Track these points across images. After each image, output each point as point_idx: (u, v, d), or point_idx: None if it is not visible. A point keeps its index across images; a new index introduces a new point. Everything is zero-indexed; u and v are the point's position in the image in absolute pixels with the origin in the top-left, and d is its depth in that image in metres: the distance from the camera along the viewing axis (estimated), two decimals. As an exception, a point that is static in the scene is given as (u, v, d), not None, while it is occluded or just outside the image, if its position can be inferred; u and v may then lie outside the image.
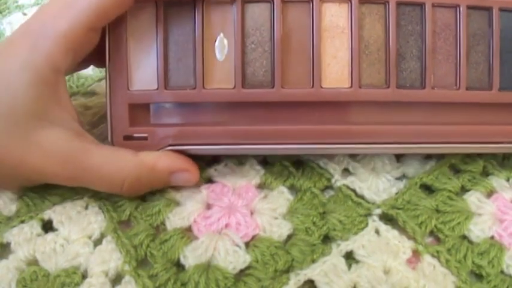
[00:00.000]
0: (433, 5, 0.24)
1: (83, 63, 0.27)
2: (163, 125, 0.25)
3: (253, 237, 0.23)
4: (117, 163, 0.23)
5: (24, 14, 0.45)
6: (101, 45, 0.24)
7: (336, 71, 0.24)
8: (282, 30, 0.24)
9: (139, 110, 0.25)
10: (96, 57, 0.25)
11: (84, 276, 0.22)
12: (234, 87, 0.24)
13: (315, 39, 0.24)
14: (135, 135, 0.25)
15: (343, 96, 0.24)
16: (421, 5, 0.25)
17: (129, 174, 0.23)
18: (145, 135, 0.25)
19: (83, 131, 0.24)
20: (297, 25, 0.24)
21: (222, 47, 0.25)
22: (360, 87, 0.24)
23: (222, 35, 0.24)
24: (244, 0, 0.24)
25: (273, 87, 0.24)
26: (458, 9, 0.25)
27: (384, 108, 0.25)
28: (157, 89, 0.24)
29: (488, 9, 0.25)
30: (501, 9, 0.25)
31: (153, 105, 0.25)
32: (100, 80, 0.34)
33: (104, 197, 0.25)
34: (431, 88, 0.24)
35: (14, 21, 0.43)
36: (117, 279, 0.22)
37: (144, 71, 0.25)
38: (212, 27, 0.24)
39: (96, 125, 0.30)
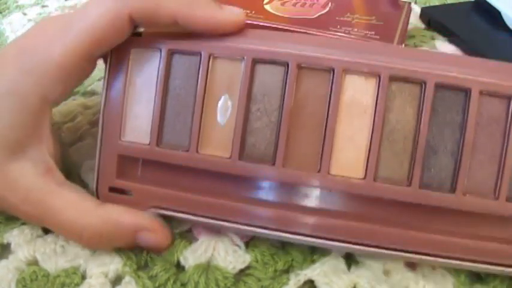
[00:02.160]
0: (481, 93, 0.20)
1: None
2: (151, 183, 0.23)
3: (252, 237, 0.23)
4: (78, 211, 0.22)
5: (24, 14, 0.44)
6: None
7: (349, 157, 0.21)
8: (293, 100, 0.21)
9: (129, 162, 0.23)
10: None
11: (83, 276, 0.22)
12: (230, 157, 0.21)
13: (330, 116, 0.21)
14: (121, 188, 0.23)
15: (353, 188, 0.21)
16: (466, 91, 0.20)
17: (89, 225, 0.22)
18: (129, 190, 0.23)
19: (55, 168, 0.22)
20: (312, 96, 0.21)
21: (225, 109, 0.22)
22: (375, 180, 0.20)
23: (227, 95, 0.22)
24: (255, 60, 0.21)
25: (273, 164, 0.21)
26: (511, 101, 0.20)
27: (401, 208, 0.21)
28: (149, 144, 0.22)
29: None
30: None
31: (144, 160, 0.23)
32: (100, 79, 0.33)
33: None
34: (462, 193, 0.20)
35: (14, 21, 0.43)
36: (117, 279, 0.22)
37: (138, 122, 0.22)
38: (217, 85, 0.22)
39: (95, 124, 0.29)
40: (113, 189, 0.23)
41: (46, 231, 0.23)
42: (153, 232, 0.22)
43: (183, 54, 0.22)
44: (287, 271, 0.22)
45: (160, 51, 0.22)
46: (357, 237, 0.21)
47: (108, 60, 0.22)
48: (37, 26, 0.23)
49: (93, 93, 0.32)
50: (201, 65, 0.21)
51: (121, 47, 0.22)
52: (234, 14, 0.21)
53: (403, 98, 0.21)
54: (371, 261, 0.21)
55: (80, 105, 0.31)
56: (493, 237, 0.21)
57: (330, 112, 0.21)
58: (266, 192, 0.22)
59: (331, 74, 0.21)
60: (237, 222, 0.21)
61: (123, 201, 0.22)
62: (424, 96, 0.20)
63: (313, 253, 0.22)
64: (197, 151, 0.22)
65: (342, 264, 0.21)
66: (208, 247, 0.22)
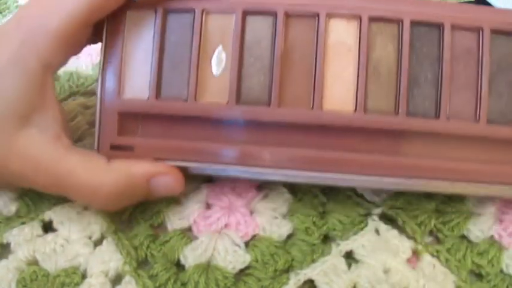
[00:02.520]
0: (453, 27, 0.22)
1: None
2: (152, 136, 0.23)
3: (253, 237, 0.23)
4: (89, 171, 0.22)
5: None
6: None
7: (339, 93, 0.22)
8: (283, 45, 0.22)
9: (129, 119, 0.24)
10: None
11: (84, 276, 0.22)
12: (228, 102, 0.22)
13: (318, 57, 0.22)
14: (122, 144, 0.23)
15: (345, 121, 0.22)
16: (439, 26, 0.22)
17: (103, 183, 0.22)
18: (132, 146, 0.23)
19: (62, 134, 0.22)
20: (301, 41, 0.23)
21: (219, 60, 0.23)
22: (365, 112, 0.22)
23: (220, 47, 0.23)
24: (245, 12, 0.23)
25: (269, 105, 0.22)
26: (481, 33, 0.22)
27: (390, 136, 0.22)
28: (148, 98, 0.23)
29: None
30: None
31: (144, 116, 0.24)
32: None
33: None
34: (446, 118, 0.22)
35: None
36: (117, 279, 0.22)
37: (137, 79, 0.23)
38: (211, 38, 0.23)
39: (95, 124, 0.29)
40: (114, 147, 0.23)
41: (46, 230, 0.23)
42: (166, 174, 0.22)
43: (177, 12, 0.23)
44: (287, 271, 0.22)
45: (156, 11, 0.23)
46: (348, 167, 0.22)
47: (105, 23, 0.24)
48: (31, 1, 0.23)
49: (92, 93, 0.33)
50: (195, 21, 0.23)
51: (117, 10, 0.23)
52: None
53: (384, 36, 0.22)
54: (371, 261, 0.22)
55: (79, 105, 0.31)
56: (476, 159, 0.22)
57: (318, 54, 0.22)
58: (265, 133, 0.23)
59: (316, 20, 0.22)
60: (242, 164, 0.22)
61: (125, 157, 0.23)
62: (402, 33, 0.22)
63: (313, 253, 0.22)
64: (195, 100, 0.23)
65: (342, 263, 0.22)
66: (208, 247, 0.22)
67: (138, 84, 0.23)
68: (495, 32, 0.22)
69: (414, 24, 0.22)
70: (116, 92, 0.23)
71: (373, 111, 0.22)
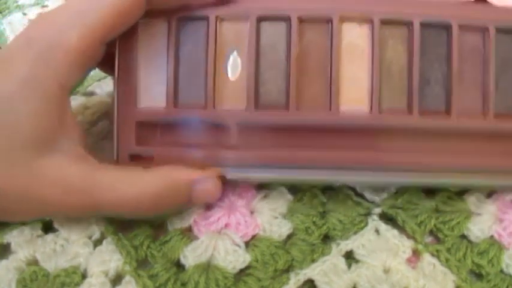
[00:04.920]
0: (460, 28, 0.23)
1: None
2: (172, 145, 0.24)
3: (253, 237, 0.23)
4: (128, 182, 0.21)
5: (24, 14, 0.44)
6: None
7: (355, 94, 0.23)
8: (298, 50, 0.23)
9: (147, 128, 0.24)
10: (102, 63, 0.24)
11: (84, 276, 0.22)
12: (246, 107, 0.23)
13: (333, 60, 0.23)
14: (142, 154, 0.23)
15: (362, 120, 0.23)
16: (447, 27, 0.23)
17: (145, 192, 0.21)
18: (151, 155, 0.23)
19: (86, 154, 0.22)
20: (315, 45, 0.23)
21: (235, 66, 0.23)
22: (380, 111, 0.23)
23: (235, 53, 0.23)
24: (259, 18, 0.23)
25: (287, 108, 0.23)
26: (486, 32, 0.23)
27: (405, 134, 0.23)
28: (166, 106, 0.23)
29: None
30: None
31: (162, 124, 0.24)
32: (99, 79, 0.33)
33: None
34: (456, 115, 0.23)
35: (14, 21, 0.43)
36: (117, 279, 0.22)
37: (153, 88, 0.23)
38: (225, 44, 0.23)
39: (95, 123, 0.29)
40: (133, 157, 0.23)
41: (46, 231, 0.23)
42: (209, 180, 0.22)
43: (191, 20, 0.23)
44: (287, 271, 0.22)
45: (169, 19, 0.23)
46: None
47: None
48: (39, 19, 0.22)
49: (92, 93, 0.33)
50: (209, 28, 0.23)
51: None
52: None
53: (395, 38, 0.23)
54: (371, 261, 0.22)
55: (79, 105, 0.31)
56: (486, 151, 0.23)
57: (332, 57, 0.23)
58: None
59: (330, 24, 0.23)
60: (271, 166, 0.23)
61: (146, 167, 0.23)
62: (412, 35, 0.23)
63: (313, 252, 0.22)
64: (214, 107, 0.23)
65: (341, 263, 0.22)
66: (208, 247, 0.22)
67: (154, 92, 0.23)
68: (500, 31, 0.23)
69: (423, 25, 0.23)
70: (132, 102, 0.23)
71: (388, 111, 0.23)
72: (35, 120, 0.20)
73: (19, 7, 0.45)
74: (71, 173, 0.21)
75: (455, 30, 0.23)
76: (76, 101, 0.31)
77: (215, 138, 0.23)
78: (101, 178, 0.21)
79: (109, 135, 0.28)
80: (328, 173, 0.23)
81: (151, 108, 0.23)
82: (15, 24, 0.42)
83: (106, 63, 0.23)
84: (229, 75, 0.23)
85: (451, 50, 0.23)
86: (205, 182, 0.22)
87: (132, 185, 0.21)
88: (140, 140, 0.23)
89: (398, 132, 0.23)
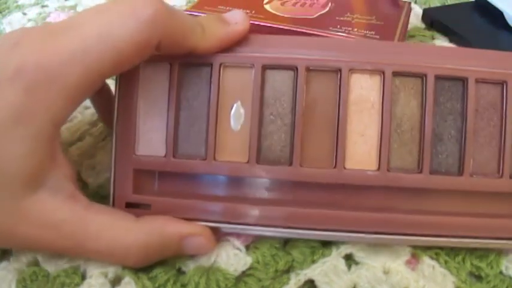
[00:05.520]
0: (477, 81, 0.22)
1: None
2: (169, 195, 0.23)
3: (253, 240, 0.23)
4: (117, 231, 0.21)
5: (24, 14, 0.44)
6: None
7: (362, 151, 0.22)
8: (305, 102, 0.22)
9: (145, 176, 0.23)
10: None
11: (83, 276, 0.22)
12: (248, 161, 0.22)
13: (341, 114, 0.22)
14: (138, 202, 0.23)
15: (368, 180, 0.22)
16: (463, 80, 0.22)
17: (134, 242, 0.21)
18: (148, 204, 0.23)
19: (76, 192, 0.21)
20: (322, 97, 0.22)
21: (238, 116, 0.22)
22: (388, 170, 0.22)
23: (239, 103, 0.22)
24: (264, 67, 0.22)
25: (290, 164, 0.22)
26: (505, 86, 0.22)
27: (415, 195, 0.22)
28: (165, 156, 0.22)
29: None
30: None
31: (160, 173, 0.23)
32: None
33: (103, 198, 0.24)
34: (469, 175, 0.22)
35: (14, 21, 0.43)
36: (116, 280, 0.22)
37: (152, 135, 0.23)
38: (229, 93, 0.22)
39: (95, 124, 0.29)
40: (129, 205, 0.23)
41: None
42: (199, 236, 0.22)
43: (193, 65, 0.22)
44: (287, 271, 0.22)
45: (171, 63, 0.22)
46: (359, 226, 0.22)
47: (118, 76, 0.23)
48: (32, 44, 0.19)
49: None
50: (212, 75, 0.22)
51: None
52: (240, 24, 0.22)
53: (407, 91, 0.22)
54: (371, 262, 0.22)
55: (79, 105, 0.30)
56: (498, 213, 0.22)
57: (340, 110, 0.22)
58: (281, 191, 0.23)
59: (338, 74, 0.22)
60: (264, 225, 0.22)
61: (141, 216, 0.23)
62: (425, 88, 0.22)
63: (314, 253, 0.22)
64: (214, 159, 0.22)
65: (342, 264, 0.22)
66: (210, 255, 0.22)
67: (153, 140, 0.23)
68: None
69: (438, 78, 0.22)
70: (131, 148, 0.23)
71: (396, 170, 0.22)
72: (26, 159, 0.19)
73: (19, 7, 0.45)
74: (60, 216, 0.20)
75: (471, 83, 0.22)
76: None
77: (213, 191, 0.23)
78: (90, 225, 0.20)
79: (109, 135, 0.27)
80: (326, 234, 0.22)
81: (150, 156, 0.23)
82: (15, 24, 0.42)
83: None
84: (233, 126, 0.22)
85: (466, 104, 0.22)
86: (197, 237, 0.22)
87: (122, 235, 0.21)
88: (138, 187, 0.23)
89: (406, 192, 0.22)
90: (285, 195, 0.22)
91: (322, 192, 0.22)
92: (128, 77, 0.22)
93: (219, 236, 0.23)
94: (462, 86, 0.22)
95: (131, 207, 0.23)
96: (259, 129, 0.22)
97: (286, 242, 0.23)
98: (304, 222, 0.22)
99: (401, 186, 0.22)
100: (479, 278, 0.22)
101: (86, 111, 0.30)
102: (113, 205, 0.23)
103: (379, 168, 0.22)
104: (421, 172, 0.22)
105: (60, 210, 0.20)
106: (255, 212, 0.22)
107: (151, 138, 0.23)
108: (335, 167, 0.22)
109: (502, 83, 0.22)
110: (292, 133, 0.22)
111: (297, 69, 0.22)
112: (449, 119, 0.22)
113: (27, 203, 0.20)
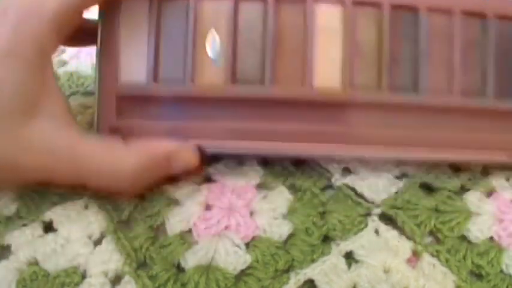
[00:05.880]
0: (428, 10, 0.24)
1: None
2: (152, 118, 0.24)
3: (253, 238, 0.23)
4: (110, 155, 0.22)
5: None
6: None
7: (328, 72, 0.24)
8: (274, 29, 0.24)
9: (128, 102, 0.24)
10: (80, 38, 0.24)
11: (83, 276, 0.21)
12: (224, 82, 0.24)
13: (307, 39, 0.24)
14: (122, 127, 0.24)
15: (334, 96, 0.24)
16: (416, 9, 0.24)
17: (128, 164, 0.22)
18: (131, 127, 0.24)
19: (71, 120, 0.22)
20: (290, 24, 0.24)
21: (214, 43, 0.24)
22: (351, 88, 0.24)
23: (213, 30, 0.24)
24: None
25: (263, 83, 0.24)
26: (452, 14, 0.25)
27: (376, 111, 0.24)
28: (146, 81, 0.24)
29: (484, 16, 0.25)
30: (496, 16, 0.24)
31: (143, 99, 0.25)
32: None
33: (103, 197, 0.24)
34: (423, 93, 0.24)
35: None
36: (116, 279, 0.21)
37: (134, 62, 0.24)
38: (205, 22, 0.24)
39: (94, 107, 0.29)
40: (113, 129, 0.24)
41: (46, 231, 0.23)
42: (184, 151, 0.23)
43: (172, -1, 0.24)
44: (287, 271, 0.22)
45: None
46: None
47: (100, 5, 0.24)
48: None
49: (92, 93, 0.32)
50: (189, 6, 0.24)
51: None
52: None
53: (366, 19, 0.25)
54: (371, 261, 0.22)
55: (79, 105, 0.31)
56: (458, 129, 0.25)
57: (307, 36, 0.24)
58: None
59: (304, 4, 0.24)
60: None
61: (126, 140, 0.24)
62: (382, 16, 0.24)
63: (313, 253, 0.22)
64: (192, 81, 0.24)
65: (341, 263, 0.22)
66: (209, 250, 0.22)
67: (135, 67, 0.24)
68: (465, 13, 0.24)
69: (393, 7, 0.24)
70: (114, 76, 0.24)
71: (359, 87, 0.24)
72: (16, 87, 0.20)
73: None
74: (58, 140, 0.21)
75: (422, 12, 0.24)
76: (76, 101, 0.32)
77: (194, 112, 0.24)
78: (86, 146, 0.22)
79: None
80: (299, 147, 0.24)
81: (132, 82, 0.24)
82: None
83: (78, 38, 0.24)
84: (208, 52, 0.24)
85: (419, 30, 0.24)
86: (183, 152, 0.23)
87: (113, 157, 0.22)
88: (121, 113, 0.24)
89: (369, 108, 0.24)
90: (259, 112, 0.24)
91: (293, 110, 0.24)
92: (110, 9, 0.24)
93: (218, 231, 0.23)
94: (415, 14, 0.24)
95: (115, 132, 0.24)
96: (234, 54, 0.24)
97: (286, 241, 0.23)
98: (279, 138, 0.24)
99: (364, 101, 0.24)
100: (479, 276, 0.22)
101: (86, 111, 0.31)
102: (97, 130, 0.24)
103: (343, 86, 0.24)
104: (381, 89, 0.24)
105: (57, 135, 0.21)
106: (232, 128, 0.24)
107: (133, 66, 0.24)
108: (304, 85, 0.24)
109: (449, 12, 0.25)
110: (264, 57, 0.24)
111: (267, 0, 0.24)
112: (404, 43, 0.24)
113: (26, 130, 0.21)
